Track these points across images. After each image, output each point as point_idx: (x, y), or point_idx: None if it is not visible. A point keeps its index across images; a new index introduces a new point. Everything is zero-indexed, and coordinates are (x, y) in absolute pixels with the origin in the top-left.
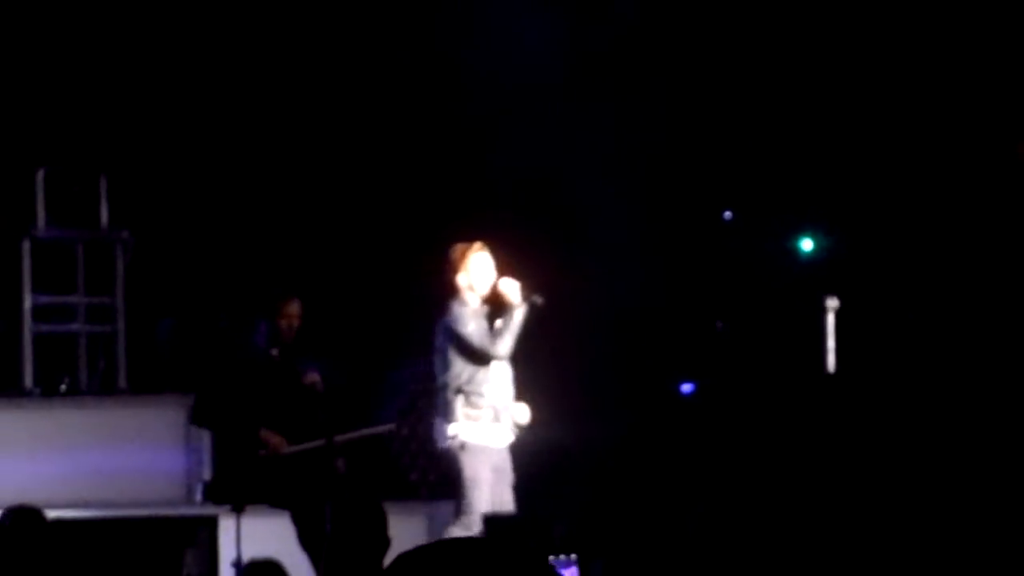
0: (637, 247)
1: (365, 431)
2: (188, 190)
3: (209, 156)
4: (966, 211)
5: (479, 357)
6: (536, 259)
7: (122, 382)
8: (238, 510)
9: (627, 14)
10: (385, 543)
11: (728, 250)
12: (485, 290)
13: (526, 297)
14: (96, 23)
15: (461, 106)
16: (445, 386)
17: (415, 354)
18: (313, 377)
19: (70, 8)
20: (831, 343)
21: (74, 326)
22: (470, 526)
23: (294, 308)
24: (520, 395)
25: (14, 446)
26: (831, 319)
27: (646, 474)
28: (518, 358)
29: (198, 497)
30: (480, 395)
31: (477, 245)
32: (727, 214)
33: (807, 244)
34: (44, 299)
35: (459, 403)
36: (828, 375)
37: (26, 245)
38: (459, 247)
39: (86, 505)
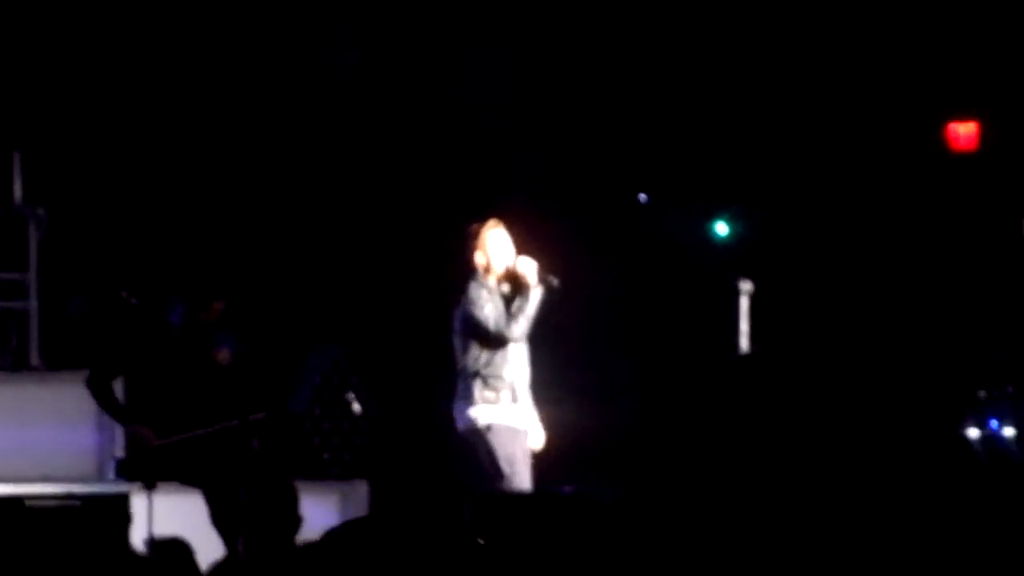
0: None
1: (279, 414)
2: (104, 166)
3: (124, 132)
4: (882, 195)
5: (495, 340)
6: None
7: (35, 359)
8: (150, 487)
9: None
10: (297, 522)
11: (643, 233)
12: (502, 269)
13: (543, 278)
14: None
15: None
16: (464, 370)
17: (329, 336)
18: (223, 353)
19: None
20: (744, 326)
21: None
22: None
23: (219, 306)
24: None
25: None
26: (745, 302)
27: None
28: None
29: (110, 474)
30: (499, 378)
31: (492, 222)
32: (643, 197)
33: (722, 228)
34: None
35: (478, 387)
36: (740, 356)
37: None
38: (474, 225)
39: None
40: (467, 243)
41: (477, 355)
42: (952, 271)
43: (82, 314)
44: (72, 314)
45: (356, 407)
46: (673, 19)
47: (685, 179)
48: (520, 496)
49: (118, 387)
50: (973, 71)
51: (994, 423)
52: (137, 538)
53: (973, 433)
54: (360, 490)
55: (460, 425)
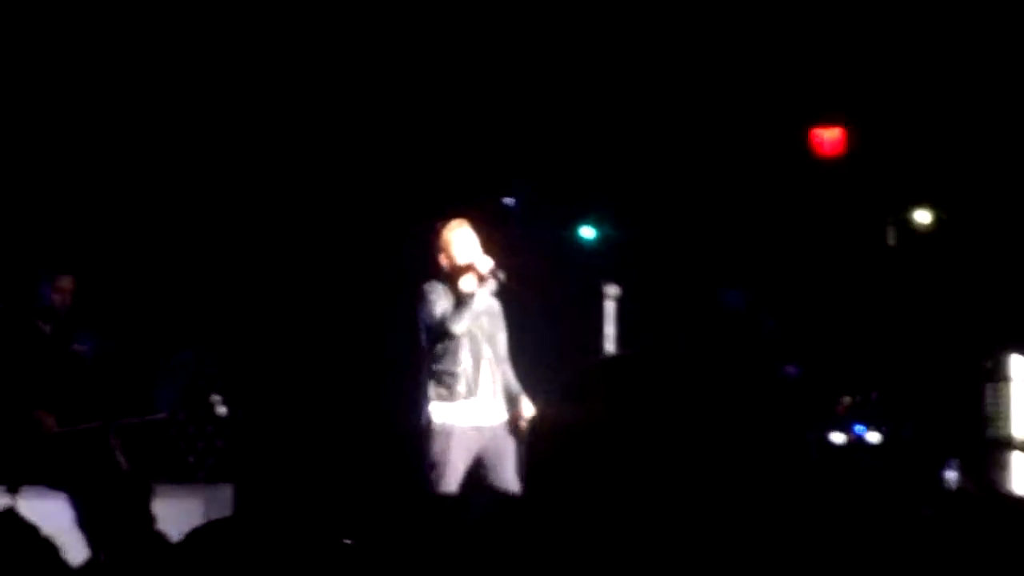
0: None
1: (143, 417)
2: None
3: None
4: (748, 200)
5: (441, 335)
6: None
7: None
8: (13, 491)
9: None
10: (152, 522)
11: (509, 236)
12: (464, 266)
13: (492, 274)
14: None
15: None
16: (420, 367)
17: (194, 337)
18: (81, 348)
19: None
20: (610, 330)
21: None
22: None
23: (66, 283)
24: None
25: None
26: (611, 306)
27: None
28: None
29: None
30: (451, 374)
31: (456, 221)
32: (509, 200)
33: (588, 232)
34: None
35: (432, 384)
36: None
37: None
38: (438, 224)
39: None
40: (432, 243)
41: (428, 351)
42: (817, 276)
43: None
44: None
45: (221, 410)
46: (535, 22)
47: (551, 183)
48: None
49: None
50: (838, 76)
51: (859, 428)
52: None
53: (838, 439)
54: (225, 493)
55: (417, 422)
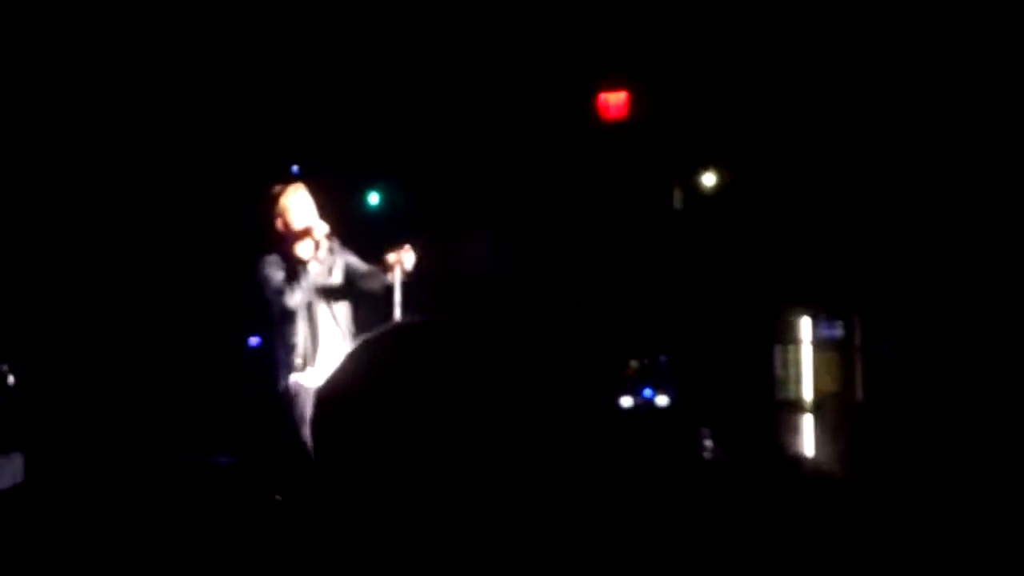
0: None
1: None
2: None
3: None
4: (535, 165)
5: (280, 308)
6: None
7: None
8: None
9: None
10: None
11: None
12: (302, 232)
13: (328, 238)
14: None
15: None
16: (271, 337)
17: None
18: None
19: None
20: (398, 296)
21: None
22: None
23: None
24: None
25: None
26: (397, 273)
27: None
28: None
29: None
30: (290, 346)
31: (293, 186)
32: (295, 168)
33: (373, 198)
34: None
35: (281, 352)
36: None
37: None
38: (275, 189)
39: None
40: (266, 207)
41: (277, 323)
42: (605, 240)
43: None
44: None
45: (10, 379)
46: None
47: (339, 150)
48: None
49: None
50: (622, 42)
51: (648, 391)
52: None
53: (626, 402)
54: (16, 462)
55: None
